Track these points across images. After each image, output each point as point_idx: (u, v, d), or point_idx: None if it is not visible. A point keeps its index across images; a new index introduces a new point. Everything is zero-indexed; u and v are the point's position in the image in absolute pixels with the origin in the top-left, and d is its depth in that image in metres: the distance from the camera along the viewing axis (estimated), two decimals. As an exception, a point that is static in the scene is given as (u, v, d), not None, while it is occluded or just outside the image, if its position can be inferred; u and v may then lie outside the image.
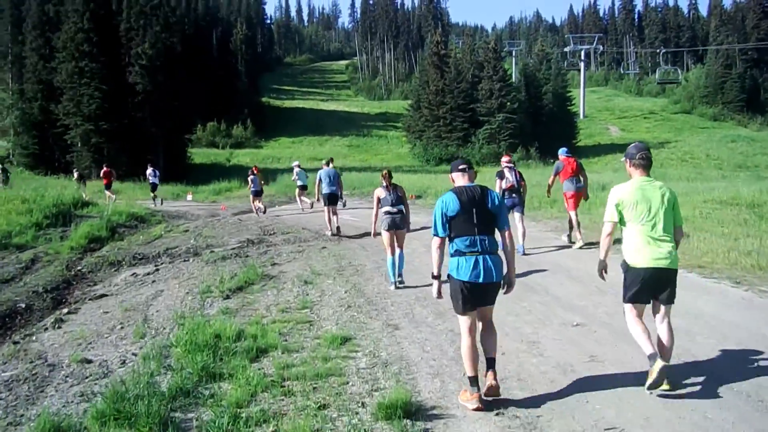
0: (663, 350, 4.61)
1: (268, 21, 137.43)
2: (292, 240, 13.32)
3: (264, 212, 18.31)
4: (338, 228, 13.54)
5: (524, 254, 9.86)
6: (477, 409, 4.33)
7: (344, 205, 17.52)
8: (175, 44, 45.96)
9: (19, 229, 14.49)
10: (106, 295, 8.92)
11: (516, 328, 6.13)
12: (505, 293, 4.67)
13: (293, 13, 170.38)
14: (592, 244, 9.92)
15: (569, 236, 11.20)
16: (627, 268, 4.74)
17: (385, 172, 8.57)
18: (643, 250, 4.61)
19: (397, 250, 8.22)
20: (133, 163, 39.03)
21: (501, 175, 10.23)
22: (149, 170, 24.68)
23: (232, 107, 68.04)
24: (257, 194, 18.98)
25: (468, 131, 56.25)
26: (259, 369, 5.18)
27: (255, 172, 19.24)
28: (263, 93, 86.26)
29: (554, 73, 64.53)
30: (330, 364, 5.26)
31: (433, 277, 4.67)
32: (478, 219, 4.48)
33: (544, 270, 8.83)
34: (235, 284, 8.53)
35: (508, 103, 55.53)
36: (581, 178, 10.81)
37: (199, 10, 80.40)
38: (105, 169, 24.53)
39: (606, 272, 4.91)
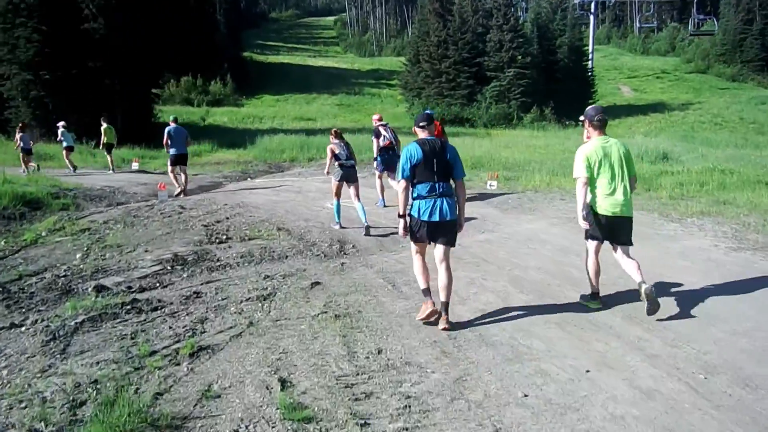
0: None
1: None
2: (257, 256, 7.41)
3: (38, 170, 17.19)
4: (185, 190, 13.41)
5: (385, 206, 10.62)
6: (425, 319, 4.92)
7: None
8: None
9: None
10: None
11: None
12: (457, 232, 5.13)
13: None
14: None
15: None
16: (589, 211, 5.34)
17: (334, 130, 9.30)
18: (605, 200, 5.28)
19: (357, 203, 8.92)
20: (87, 121, 32.51)
21: (378, 134, 10.46)
22: None
23: (211, 62, 61.02)
24: (28, 152, 18.13)
25: (473, 89, 49.57)
26: None
27: (23, 129, 18.69)
28: (246, 48, 79.13)
29: (570, 23, 57.48)
30: None
31: (399, 216, 5.07)
32: (437, 167, 4.96)
33: None
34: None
35: (520, 57, 48.77)
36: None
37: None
38: None
39: (588, 220, 5.38)
